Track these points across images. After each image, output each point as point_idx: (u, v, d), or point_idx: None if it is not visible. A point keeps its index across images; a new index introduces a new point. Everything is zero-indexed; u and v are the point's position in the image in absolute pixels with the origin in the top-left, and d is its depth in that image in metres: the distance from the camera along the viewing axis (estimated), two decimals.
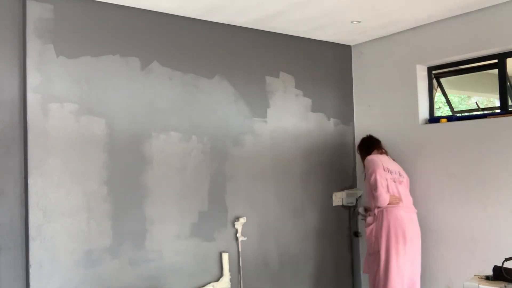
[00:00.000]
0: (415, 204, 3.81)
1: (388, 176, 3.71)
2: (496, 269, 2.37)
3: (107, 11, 3.15)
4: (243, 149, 3.76)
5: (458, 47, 3.71)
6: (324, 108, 4.33)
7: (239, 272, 3.69)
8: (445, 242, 3.74)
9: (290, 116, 4.09)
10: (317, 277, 4.20)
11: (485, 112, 3.89)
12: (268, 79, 3.96)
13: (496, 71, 3.66)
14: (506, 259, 2.37)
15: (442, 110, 7.17)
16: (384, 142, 4.15)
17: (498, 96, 3.65)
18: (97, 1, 3.11)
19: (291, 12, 3.49)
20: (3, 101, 2.83)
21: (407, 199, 3.73)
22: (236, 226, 3.65)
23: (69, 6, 3.01)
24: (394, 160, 3.93)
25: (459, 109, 7.05)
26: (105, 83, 3.12)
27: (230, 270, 3.61)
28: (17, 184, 2.85)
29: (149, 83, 3.31)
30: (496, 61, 3.63)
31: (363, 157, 3.96)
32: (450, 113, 4.37)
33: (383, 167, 3.72)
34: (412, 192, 3.88)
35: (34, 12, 2.88)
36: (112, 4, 3.16)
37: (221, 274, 3.58)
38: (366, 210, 4.21)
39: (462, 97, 8.59)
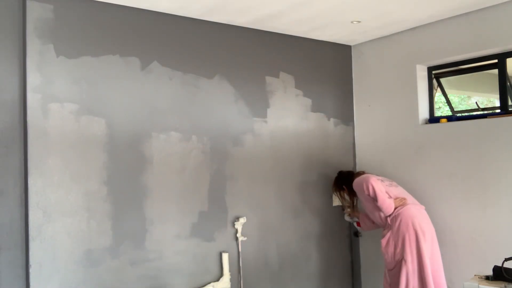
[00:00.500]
0: None
1: (383, 184, 3.64)
2: (496, 269, 2.37)
3: (107, 11, 3.15)
4: (243, 149, 3.76)
5: (458, 47, 3.71)
6: (324, 108, 4.33)
7: (239, 272, 3.69)
8: (445, 242, 3.73)
9: (290, 116, 4.09)
10: (317, 277, 4.20)
11: (485, 112, 3.89)
12: (268, 79, 3.96)
13: (496, 71, 3.66)
14: (506, 259, 2.38)
15: (442, 110, 7.17)
16: (384, 142, 4.15)
17: (498, 96, 3.65)
18: (97, 1, 3.11)
19: (291, 12, 3.49)
20: (3, 101, 2.83)
21: (410, 198, 3.69)
22: (236, 226, 3.65)
23: (69, 6, 3.01)
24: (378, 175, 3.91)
25: (459, 109, 7.05)
26: (105, 83, 3.12)
27: (230, 270, 3.61)
28: (17, 184, 2.85)
29: (149, 83, 3.31)
30: (496, 61, 3.63)
31: (347, 188, 3.93)
32: (450, 113, 4.37)
33: (376, 178, 3.64)
34: (412, 192, 3.88)
35: (34, 12, 2.88)
36: (112, 4, 3.16)
37: (221, 274, 3.58)
38: (350, 214, 4.19)
39: (462, 97, 8.60)
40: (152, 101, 3.32)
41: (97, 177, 3.06)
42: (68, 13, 3.00)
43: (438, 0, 3.36)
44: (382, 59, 4.30)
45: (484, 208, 3.52)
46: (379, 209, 3.58)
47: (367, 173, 3.87)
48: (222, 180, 3.64)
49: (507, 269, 2.34)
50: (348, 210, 4.19)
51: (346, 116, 4.51)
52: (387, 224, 3.60)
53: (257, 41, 3.91)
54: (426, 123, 4.00)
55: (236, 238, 3.68)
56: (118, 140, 3.16)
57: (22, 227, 2.86)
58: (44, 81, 2.89)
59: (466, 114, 4.82)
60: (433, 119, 3.98)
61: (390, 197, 3.58)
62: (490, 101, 7.13)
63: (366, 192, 3.59)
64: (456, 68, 4.00)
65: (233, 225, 3.67)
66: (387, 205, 3.52)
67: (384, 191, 3.56)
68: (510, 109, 3.57)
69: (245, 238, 3.69)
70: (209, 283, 3.51)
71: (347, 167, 4.45)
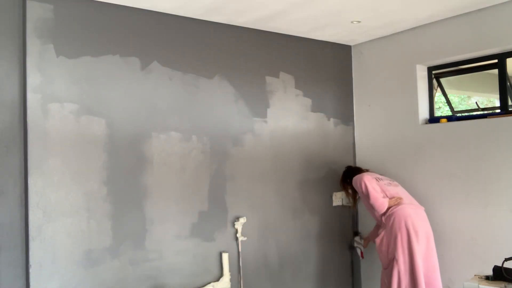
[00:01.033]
0: None
1: (381, 183, 3.70)
2: (496, 269, 2.37)
3: (107, 11, 3.15)
4: (243, 149, 3.76)
5: (458, 47, 3.71)
6: (324, 108, 4.33)
7: (239, 272, 3.69)
8: (445, 242, 3.73)
9: (290, 116, 4.09)
10: (317, 277, 4.20)
11: (485, 112, 3.89)
12: (268, 79, 3.96)
13: (496, 71, 3.66)
14: (506, 259, 2.37)
15: (442, 110, 7.17)
16: (384, 142, 4.15)
17: (498, 96, 3.65)
18: (97, 1, 3.11)
19: (291, 12, 3.49)
20: (3, 101, 2.83)
21: (409, 197, 3.71)
22: (236, 226, 3.65)
23: (69, 6, 3.01)
24: (382, 174, 3.95)
25: (459, 109, 7.05)
26: (105, 83, 3.12)
27: (230, 270, 3.61)
28: (17, 184, 2.85)
29: (149, 83, 3.31)
30: (496, 61, 3.63)
31: (350, 184, 3.96)
32: (450, 113, 4.37)
33: (371, 176, 3.72)
34: (412, 192, 3.88)
35: (34, 12, 2.88)
36: (112, 4, 3.16)
37: (221, 274, 3.58)
38: (363, 239, 4.24)
39: (462, 97, 8.60)
40: (152, 101, 3.32)
41: (97, 177, 3.06)
42: (68, 13, 3.00)
43: (438, 0, 3.36)
44: (382, 59, 4.30)
45: (484, 208, 3.52)
46: (372, 206, 3.64)
47: (370, 171, 3.93)
48: (222, 180, 3.64)
49: (507, 269, 2.34)
50: (357, 238, 4.35)
51: (346, 116, 4.51)
52: (382, 223, 3.63)
53: (257, 41, 3.91)
54: (426, 123, 3.99)
55: (236, 238, 3.68)
56: (118, 140, 3.16)
57: (22, 227, 2.86)
58: (44, 81, 2.90)
59: (466, 114, 4.82)
60: (433, 119, 3.98)
61: (386, 196, 3.62)
62: (490, 101, 7.13)
63: (359, 190, 3.70)
64: (456, 68, 4.00)
65: (233, 225, 3.67)
66: (380, 203, 3.57)
67: (378, 190, 3.62)
68: (510, 109, 3.56)
69: (245, 238, 3.69)
70: (209, 283, 3.51)
71: None
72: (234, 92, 3.74)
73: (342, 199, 4.38)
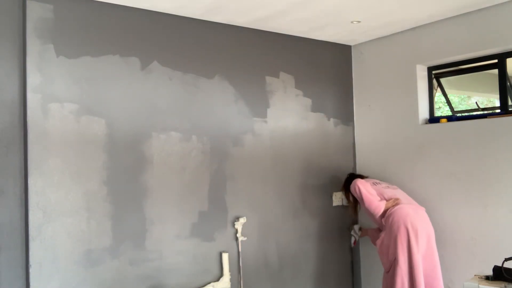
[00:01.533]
0: None
1: (378, 186, 3.75)
2: (496, 269, 2.37)
3: (107, 11, 3.15)
4: (243, 149, 3.76)
5: (458, 47, 3.71)
6: (324, 108, 4.33)
7: (239, 272, 3.69)
8: (445, 242, 3.73)
9: (290, 116, 4.09)
10: (317, 277, 4.20)
11: (485, 112, 3.89)
12: (268, 79, 3.96)
13: (496, 71, 3.66)
14: (506, 259, 2.37)
15: (442, 110, 7.17)
16: (384, 142, 4.15)
17: (498, 96, 3.65)
18: (97, 1, 3.11)
19: (291, 12, 3.49)
20: (3, 101, 2.83)
21: (408, 198, 3.72)
22: (236, 226, 3.65)
23: (69, 6, 3.01)
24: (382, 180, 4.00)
25: (459, 109, 7.05)
26: (105, 83, 3.12)
27: (230, 270, 3.61)
28: (17, 184, 2.85)
29: (149, 83, 3.31)
30: (496, 61, 3.63)
31: (352, 195, 3.97)
32: (450, 113, 4.37)
33: (365, 181, 3.79)
34: (412, 192, 3.88)
35: (34, 12, 2.88)
36: (112, 4, 3.16)
37: (221, 274, 3.58)
38: (361, 229, 4.25)
39: (462, 97, 8.59)
40: (152, 101, 3.32)
41: (97, 177, 3.06)
42: (68, 13, 3.00)
43: (438, 0, 3.36)
44: (382, 59, 4.30)
45: (484, 208, 3.52)
46: (368, 210, 3.68)
47: (370, 178, 4.00)
48: (222, 180, 3.64)
49: (507, 269, 2.34)
50: (356, 226, 4.36)
51: (346, 116, 4.51)
52: (382, 225, 3.64)
53: (257, 41, 3.91)
54: (426, 123, 3.99)
55: (236, 238, 3.68)
56: (118, 140, 3.16)
57: (22, 227, 2.86)
58: (44, 81, 2.89)
59: (466, 114, 4.82)
60: (433, 119, 3.98)
61: (384, 199, 3.66)
62: (490, 101, 7.13)
63: (356, 195, 3.77)
64: (456, 68, 4.00)
65: (233, 225, 3.67)
66: (375, 205, 3.62)
67: (373, 193, 3.68)
68: (510, 109, 3.56)
69: (245, 238, 3.69)
70: (209, 283, 3.51)
71: (347, 167, 4.45)
72: (234, 92, 3.74)
73: (342, 199, 4.37)
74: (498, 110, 3.69)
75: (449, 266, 3.70)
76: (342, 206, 4.40)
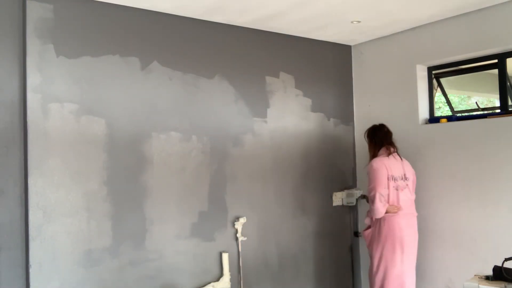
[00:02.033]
0: (416, 204, 3.79)
1: (391, 185, 3.54)
2: (496, 269, 2.37)
3: (107, 11, 3.15)
4: (243, 149, 3.76)
5: (458, 47, 3.71)
6: (324, 108, 4.33)
7: (239, 272, 3.69)
8: (445, 242, 3.73)
9: (290, 116, 4.09)
10: (317, 277, 4.20)
11: (485, 112, 3.89)
12: (268, 79, 3.96)
13: (496, 71, 3.66)
14: (506, 259, 2.37)
15: (442, 110, 7.17)
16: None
17: (498, 96, 3.65)
18: (97, 1, 3.11)
19: (291, 12, 3.49)
20: (3, 101, 2.83)
21: (407, 205, 3.60)
22: (236, 226, 3.65)
23: (69, 6, 3.01)
24: (401, 158, 3.68)
25: (459, 109, 7.05)
26: (105, 83, 3.12)
27: (230, 270, 3.61)
28: (17, 184, 2.85)
29: (149, 83, 3.31)
30: (496, 61, 3.63)
31: (370, 148, 3.77)
32: (450, 113, 4.37)
33: (388, 175, 3.53)
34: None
35: (34, 12, 2.88)
36: (112, 4, 3.16)
37: (221, 274, 3.58)
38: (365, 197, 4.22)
39: (462, 97, 8.60)
40: (152, 101, 3.32)
41: (97, 177, 3.06)
42: (68, 13, 3.00)
43: (438, 0, 3.36)
44: (382, 59, 4.30)
45: (484, 208, 3.52)
46: (371, 206, 3.60)
47: (391, 152, 3.66)
48: (222, 180, 3.64)
49: (507, 269, 2.34)
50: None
51: (346, 116, 4.51)
52: (371, 218, 3.66)
53: (257, 41, 3.91)
54: (426, 123, 3.99)
55: (236, 238, 3.68)
56: (118, 140, 3.16)
57: (22, 227, 2.86)
58: (44, 81, 2.89)
59: (466, 114, 4.82)
60: (433, 119, 3.98)
61: (388, 202, 3.53)
62: (490, 101, 7.13)
63: (369, 190, 3.59)
64: (456, 68, 4.00)
65: (233, 225, 3.67)
66: (379, 212, 3.51)
67: (383, 200, 3.50)
68: (510, 109, 3.56)
69: (245, 238, 3.69)
70: (209, 283, 3.51)
71: (347, 167, 4.46)
72: (234, 92, 3.74)
73: (342, 199, 4.38)
74: (498, 110, 3.69)
75: (449, 266, 3.70)
76: (342, 206, 4.40)
